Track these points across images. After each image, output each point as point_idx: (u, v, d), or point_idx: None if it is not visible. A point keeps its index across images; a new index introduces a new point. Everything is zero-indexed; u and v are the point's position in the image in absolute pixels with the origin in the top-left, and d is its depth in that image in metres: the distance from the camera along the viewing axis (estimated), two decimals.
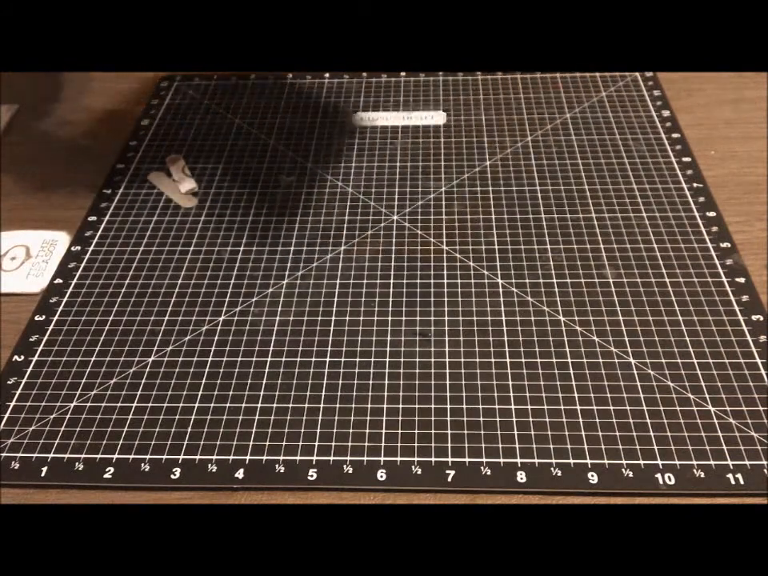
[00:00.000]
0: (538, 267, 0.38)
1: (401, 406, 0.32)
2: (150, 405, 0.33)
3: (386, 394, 0.32)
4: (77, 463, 0.31)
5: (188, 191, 0.44)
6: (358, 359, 0.34)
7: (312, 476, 0.30)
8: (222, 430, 0.31)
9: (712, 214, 0.40)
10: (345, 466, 0.30)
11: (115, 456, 0.31)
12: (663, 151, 0.45)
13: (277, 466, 0.30)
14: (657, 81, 0.51)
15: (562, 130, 0.47)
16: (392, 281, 0.38)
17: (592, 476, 0.29)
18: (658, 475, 0.29)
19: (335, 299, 0.37)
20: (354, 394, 0.33)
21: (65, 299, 0.38)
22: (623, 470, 0.29)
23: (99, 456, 0.31)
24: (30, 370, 0.34)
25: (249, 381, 0.33)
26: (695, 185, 0.42)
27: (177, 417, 0.32)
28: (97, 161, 0.47)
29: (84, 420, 0.32)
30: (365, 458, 0.30)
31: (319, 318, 0.36)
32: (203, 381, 0.34)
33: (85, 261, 0.40)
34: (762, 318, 0.35)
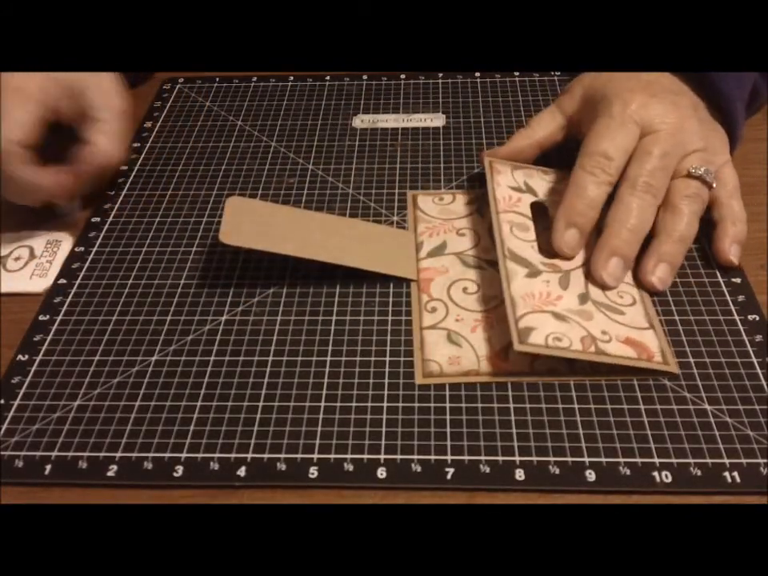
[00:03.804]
0: None
1: (401, 404, 0.32)
2: (152, 403, 0.33)
3: (386, 392, 0.33)
4: (80, 461, 0.31)
5: None
6: (358, 358, 0.34)
7: (313, 474, 0.30)
8: (224, 428, 0.32)
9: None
10: (345, 464, 0.30)
11: (118, 454, 0.31)
12: None
13: (278, 464, 0.30)
14: None
15: None
16: (393, 281, 0.38)
17: (590, 474, 0.29)
18: (655, 473, 0.29)
19: (336, 299, 0.37)
20: (355, 392, 0.33)
21: (68, 299, 0.38)
22: (620, 467, 0.30)
23: (102, 454, 0.31)
24: (33, 369, 0.35)
25: (250, 380, 0.34)
26: None
27: (179, 415, 0.32)
28: None
29: (87, 419, 0.33)
30: (365, 456, 0.30)
31: (320, 318, 0.36)
32: (205, 380, 0.34)
33: (88, 261, 0.40)
34: (758, 318, 0.35)
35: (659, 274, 0.36)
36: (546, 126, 0.42)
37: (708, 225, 0.39)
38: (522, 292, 0.34)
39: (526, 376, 0.33)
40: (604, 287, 0.35)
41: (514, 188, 0.40)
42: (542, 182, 0.41)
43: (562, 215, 0.37)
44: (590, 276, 0.36)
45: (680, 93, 0.39)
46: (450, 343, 0.34)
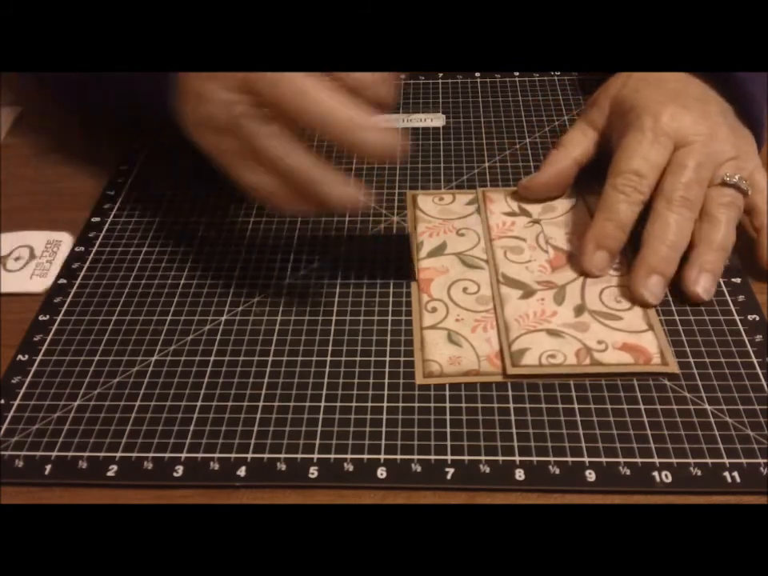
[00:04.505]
0: None
1: (401, 404, 0.32)
2: (152, 403, 0.33)
3: (386, 392, 0.33)
4: (80, 461, 0.31)
5: None
6: (358, 358, 0.34)
7: (313, 474, 0.30)
8: (224, 428, 0.32)
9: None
10: (345, 464, 0.30)
11: (118, 454, 0.31)
12: None
13: (278, 464, 0.30)
14: None
15: (561, 133, 0.47)
16: (393, 280, 0.38)
17: (590, 474, 0.29)
18: (655, 473, 0.29)
19: (336, 298, 0.37)
20: (355, 392, 0.33)
21: (68, 299, 0.38)
22: (620, 467, 0.30)
23: (102, 454, 0.31)
24: (33, 369, 0.35)
25: (251, 380, 0.34)
26: None
27: (179, 415, 0.32)
28: (100, 162, 0.48)
29: (87, 419, 0.33)
30: (365, 456, 0.30)
31: (320, 318, 0.36)
32: (205, 380, 0.34)
33: (88, 261, 0.40)
34: (758, 318, 0.35)
35: (703, 283, 0.35)
36: (579, 144, 0.41)
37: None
38: (516, 315, 0.35)
39: (526, 376, 0.33)
40: (645, 305, 0.35)
41: (508, 213, 0.41)
42: (536, 203, 0.42)
43: (591, 237, 0.36)
44: (588, 286, 0.36)
45: (708, 100, 0.39)
46: (451, 343, 0.34)
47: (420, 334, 0.35)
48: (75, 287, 0.39)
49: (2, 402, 0.33)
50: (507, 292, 0.36)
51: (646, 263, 0.35)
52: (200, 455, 0.31)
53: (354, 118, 0.31)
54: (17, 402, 0.33)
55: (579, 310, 0.35)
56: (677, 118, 0.37)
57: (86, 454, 0.31)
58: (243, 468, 0.30)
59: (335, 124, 0.31)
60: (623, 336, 0.34)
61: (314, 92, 0.31)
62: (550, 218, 0.41)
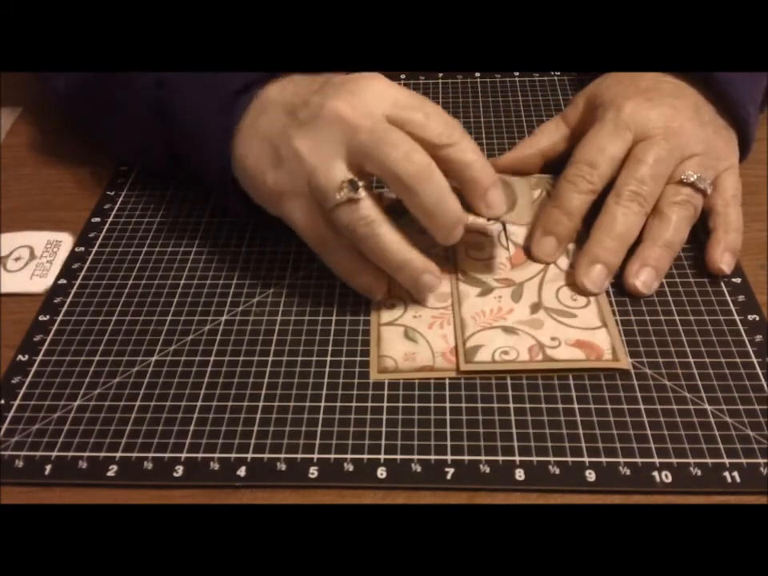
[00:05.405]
0: None
1: (401, 404, 0.32)
2: (152, 403, 0.33)
3: (386, 392, 0.33)
4: (80, 461, 0.31)
5: None
6: (358, 358, 0.34)
7: (313, 474, 0.30)
8: (224, 428, 0.32)
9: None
10: (345, 464, 0.30)
11: (118, 454, 0.31)
12: None
13: (278, 464, 0.30)
14: None
15: None
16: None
17: (590, 474, 0.29)
18: (655, 473, 0.29)
19: (336, 298, 0.37)
20: (355, 392, 0.33)
21: (69, 299, 0.38)
22: (620, 467, 0.30)
23: (102, 454, 0.31)
24: (33, 369, 0.35)
25: (251, 380, 0.34)
26: None
27: (179, 415, 0.32)
28: (100, 163, 0.48)
29: (87, 419, 0.33)
30: (365, 456, 0.30)
31: (320, 318, 0.36)
32: (205, 380, 0.34)
33: (89, 261, 0.41)
34: (758, 318, 0.35)
35: (643, 277, 0.36)
36: (549, 136, 0.42)
37: (706, 231, 0.38)
38: (473, 312, 0.35)
39: (479, 373, 0.33)
40: (586, 293, 0.36)
41: None
42: None
43: (539, 224, 0.38)
44: (545, 284, 0.36)
45: (681, 96, 0.39)
46: (407, 339, 0.35)
47: (377, 330, 0.35)
48: (75, 287, 0.39)
49: (2, 402, 0.33)
50: (465, 289, 0.36)
51: (590, 253, 0.36)
52: (200, 455, 0.31)
53: (461, 217, 0.33)
54: (17, 402, 0.33)
55: (535, 307, 0.35)
56: (640, 110, 0.37)
57: (86, 454, 0.31)
58: (243, 468, 0.30)
59: (443, 217, 0.32)
60: (577, 333, 0.34)
61: (434, 181, 0.32)
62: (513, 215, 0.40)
